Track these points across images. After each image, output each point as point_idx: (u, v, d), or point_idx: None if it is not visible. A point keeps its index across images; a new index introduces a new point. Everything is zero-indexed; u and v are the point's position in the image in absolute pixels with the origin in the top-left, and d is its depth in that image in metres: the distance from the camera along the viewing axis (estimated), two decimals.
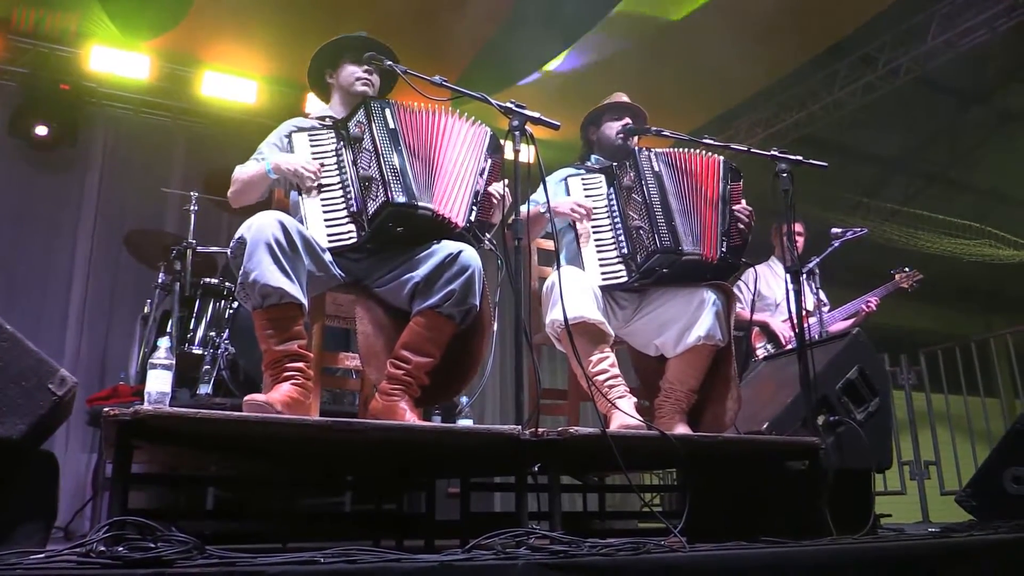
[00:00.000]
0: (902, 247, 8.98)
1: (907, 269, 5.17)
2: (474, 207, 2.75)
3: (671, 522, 2.24)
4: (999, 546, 2.41)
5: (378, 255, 2.70)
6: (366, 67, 2.89)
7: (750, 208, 3.13)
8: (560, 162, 3.43)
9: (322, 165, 2.69)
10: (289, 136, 2.78)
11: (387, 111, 2.71)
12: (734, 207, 3.09)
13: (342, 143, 2.74)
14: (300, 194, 2.67)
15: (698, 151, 3.14)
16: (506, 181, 2.82)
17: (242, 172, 2.75)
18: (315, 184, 2.64)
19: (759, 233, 4.95)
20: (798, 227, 5.07)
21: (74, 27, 5.79)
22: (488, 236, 2.83)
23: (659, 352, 3.06)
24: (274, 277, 2.35)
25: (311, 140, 2.76)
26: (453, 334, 2.65)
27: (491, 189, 2.82)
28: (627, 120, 3.31)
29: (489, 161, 2.82)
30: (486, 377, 2.76)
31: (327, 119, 2.89)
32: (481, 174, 2.79)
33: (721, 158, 3.17)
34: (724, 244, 3.02)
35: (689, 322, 2.93)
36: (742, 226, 3.10)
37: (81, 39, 5.85)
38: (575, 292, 2.80)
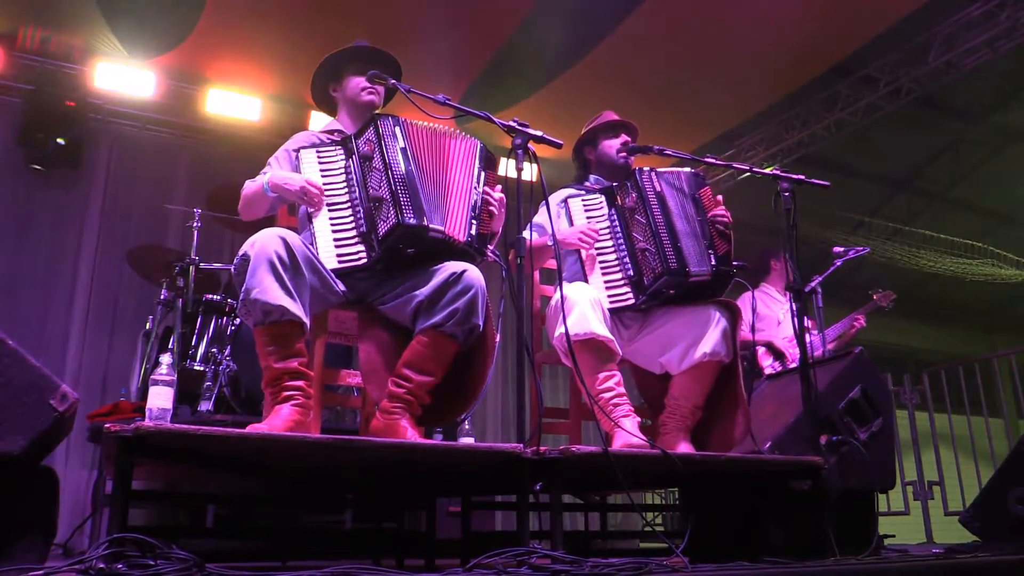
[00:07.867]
0: (904, 266, 8.99)
1: (881, 289, 5.23)
2: (474, 221, 2.72)
3: (673, 542, 2.23)
4: (1004, 568, 2.39)
5: (384, 273, 2.69)
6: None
7: (723, 206, 3.10)
8: (560, 179, 3.43)
9: (329, 184, 2.67)
10: (297, 152, 2.75)
11: (397, 129, 2.68)
12: (711, 215, 3.07)
13: (351, 160, 2.71)
14: (309, 210, 2.67)
15: (681, 166, 3.15)
16: (499, 187, 2.83)
17: (248, 187, 2.77)
18: (319, 204, 2.63)
19: (756, 255, 4.97)
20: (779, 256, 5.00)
21: (80, 45, 5.84)
22: (491, 248, 2.81)
23: (664, 370, 3.05)
24: (276, 295, 2.35)
25: (319, 157, 2.73)
26: (456, 354, 2.64)
27: (489, 200, 2.79)
28: (625, 138, 3.31)
29: (484, 173, 2.79)
30: (484, 395, 2.73)
31: (336, 133, 2.89)
32: (477, 186, 2.76)
33: (687, 169, 3.18)
34: (712, 257, 3.00)
35: (695, 339, 2.92)
36: (723, 230, 3.06)
37: (87, 56, 5.88)
38: (584, 308, 2.79)
